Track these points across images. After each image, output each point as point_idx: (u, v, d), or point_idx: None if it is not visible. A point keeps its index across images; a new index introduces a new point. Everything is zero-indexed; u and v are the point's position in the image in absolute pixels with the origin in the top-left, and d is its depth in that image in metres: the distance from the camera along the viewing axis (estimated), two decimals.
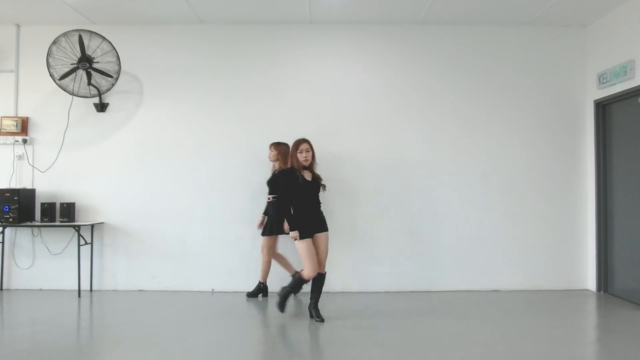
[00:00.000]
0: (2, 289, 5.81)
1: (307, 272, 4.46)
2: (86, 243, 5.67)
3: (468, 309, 5.08)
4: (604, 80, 5.54)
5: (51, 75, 5.61)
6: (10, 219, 5.53)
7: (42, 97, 5.94)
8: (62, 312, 4.96)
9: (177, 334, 4.20)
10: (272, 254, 5.49)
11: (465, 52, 5.95)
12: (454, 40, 5.95)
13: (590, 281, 5.84)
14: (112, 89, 5.80)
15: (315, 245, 4.55)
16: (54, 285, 5.84)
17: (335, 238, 5.54)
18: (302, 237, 4.47)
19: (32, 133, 5.94)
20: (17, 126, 5.86)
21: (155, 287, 5.83)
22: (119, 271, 5.87)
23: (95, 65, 5.61)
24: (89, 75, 5.62)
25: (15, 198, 5.53)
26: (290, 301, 5.15)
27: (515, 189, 5.89)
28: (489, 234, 5.86)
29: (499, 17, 5.73)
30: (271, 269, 5.52)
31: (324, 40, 5.98)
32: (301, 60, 5.96)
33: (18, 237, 5.89)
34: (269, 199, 5.46)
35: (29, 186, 5.88)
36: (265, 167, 5.63)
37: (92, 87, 5.69)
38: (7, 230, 5.84)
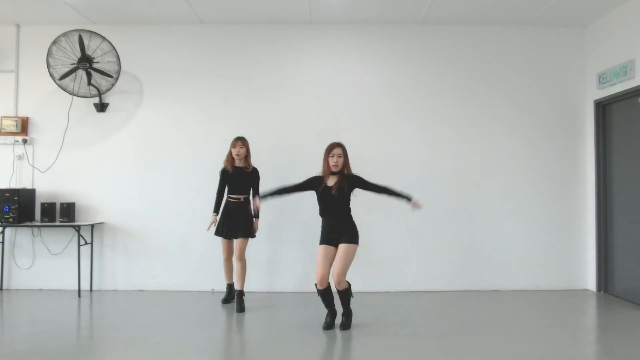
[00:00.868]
0: (2, 289, 5.81)
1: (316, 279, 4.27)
2: (86, 243, 5.67)
3: (468, 309, 5.08)
4: (604, 80, 5.54)
5: (51, 75, 5.61)
6: (10, 219, 5.53)
7: (42, 97, 5.94)
8: (62, 312, 4.96)
9: (177, 334, 4.20)
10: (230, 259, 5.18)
11: (465, 52, 5.95)
12: (454, 40, 5.95)
13: (590, 281, 5.84)
14: (112, 89, 5.80)
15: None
16: (54, 285, 5.84)
17: None
18: (320, 241, 4.30)
19: (32, 133, 5.94)
20: (17, 126, 5.86)
21: (155, 287, 5.83)
22: (119, 271, 5.87)
23: (95, 65, 5.61)
24: (89, 75, 5.62)
25: (15, 198, 5.53)
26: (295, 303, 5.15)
27: (515, 188, 5.89)
28: (489, 234, 5.86)
29: (499, 17, 5.73)
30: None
31: (324, 40, 5.98)
32: (301, 60, 5.96)
33: (18, 237, 5.89)
34: (239, 199, 5.04)
35: (29, 186, 5.88)
36: (266, 167, 5.63)
37: (92, 87, 5.69)
38: (7, 230, 5.83)
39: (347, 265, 4.20)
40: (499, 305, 5.25)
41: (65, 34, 5.57)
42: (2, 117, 5.89)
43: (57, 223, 5.65)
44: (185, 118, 5.92)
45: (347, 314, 4.36)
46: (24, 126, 5.90)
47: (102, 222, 5.87)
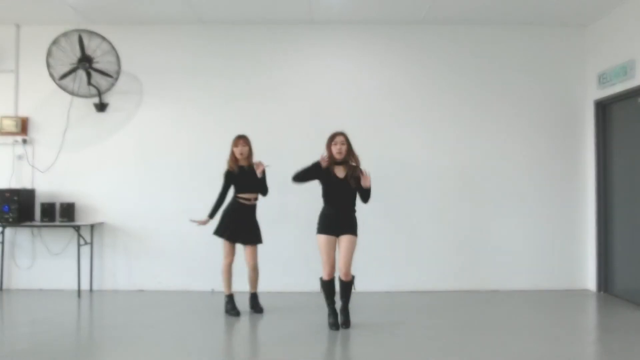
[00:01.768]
0: (2, 289, 5.81)
1: (323, 271, 4.27)
2: (86, 243, 5.67)
3: (468, 309, 5.08)
4: (604, 80, 5.54)
5: (51, 75, 5.60)
6: (10, 219, 5.53)
7: (42, 97, 5.93)
8: (62, 312, 4.96)
9: (177, 334, 4.20)
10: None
11: (465, 52, 5.95)
12: (454, 40, 5.95)
13: (590, 281, 5.84)
14: (112, 89, 5.80)
15: (338, 248, 4.30)
16: (54, 285, 5.84)
17: None
18: (318, 231, 4.29)
19: (32, 133, 5.94)
20: (17, 126, 5.86)
21: (155, 287, 5.83)
22: (119, 271, 5.87)
23: (95, 65, 5.60)
24: (88, 75, 5.62)
25: (15, 198, 5.53)
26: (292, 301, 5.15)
27: (515, 188, 5.88)
28: (489, 234, 5.86)
29: (499, 17, 5.73)
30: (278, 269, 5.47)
31: (324, 40, 5.98)
32: (301, 60, 5.96)
33: (18, 237, 5.89)
34: (250, 200, 4.85)
35: (29, 186, 5.88)
36: (266, 168, 5.62)
37: (92, 87, 5.69)
38: (7, 230, 5.83)
39: (352, 257, 4.25)
40: (499, 305, 5.25)
41: (65, 34, 5.56)
42: (2, 117, 5.89)
43: (57, 223, 5.65)
44: (185, 118, 5.92)
45: (347, 310, 4.36)
46: (23, 126, 5.90)
47: (102, 222, 5.87)
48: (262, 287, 5.77)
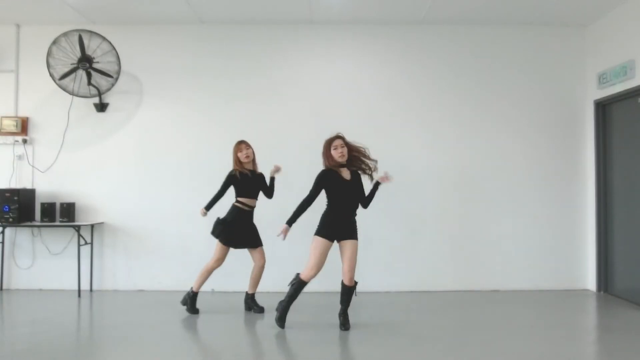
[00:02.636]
0: (2, 289, 5.81)
1: (307, 272, 4.23)
2: (86, 243, 5.67)
3: (468, 309, 5.08)
4: (604, 80, 5.54)
5: (51, 75, 5.61)
6: (10, 219, 5.53)
7: (42, 97, 5.94)
8: (62, 312, 4.96)
9: (177, 334, 4.20)
10: None
11: (465, 52, 5.95)
12: (454, 40, 5.95)
13: (590, 281, 5.84)
14: (112, 89, 5.80)
15: (341, 253, 4.30)
16: (54, 285, 5.84)
17: None
18: (321, 234, 4.23)
19: (32, 133, 5.94)
20: (17, 126, 5.86)
21: (155, 287, 5.83)
22: (119, 271, 5.87)
23: (95, 65, 5.61)
24: (88, 75, 5.63)
25: (15, 198, 5.53)
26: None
27: (515, 188, 5.89)
28: (489, 234, 5.86)
29: (499, 17, 5.73)
30: (272, 269, 5.46)
31: (324, 41, 5.98)
32: (301, 60, 5.96)
33: (18, 237, 5.89)
34: (251, 206, 4.91)
35: (29, 186, 5.88)
36: (266, 168, 5.62)
37: (92, 87, 5.69)
38: (7, 230, 5.83)
39: (355, 260, 4.28)
40: (499, 305, 5.25)
41: (65, 34, 5.57)
42: (2, 117, 5.89)
43: (57, 223, 5.65)
44: (185, 118, 5.92)
45: (347, 314, 4.35)
46: (24, 126, 5.90)
47: (102, 222, 5.87)
48: (260, 287, 5.78)
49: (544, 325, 4.48)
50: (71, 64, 5.59)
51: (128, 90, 5.93)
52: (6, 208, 5.52)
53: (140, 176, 5.89)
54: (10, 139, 5.88)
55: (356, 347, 3.92)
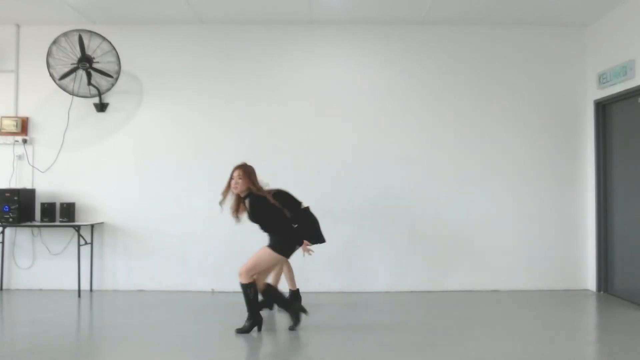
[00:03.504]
0: (2, 289, 5.81)
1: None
2: (86, 243, 5.67)
3: (468, 309, 5.08)
4: (604, 80, 5.54)
5: (51, 75, 5.61)
6: (10, 219, 5.53)
7: (42, 97, 5.94)
8: (62, 312, 4.96)
9: (178, 334, 4.20)
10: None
11: (465, 52, 5.95)
12: (454, 41, 5.95)
13: (590, 281, 5.84)
14: (112, 89, 5.80)
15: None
16: (54, 285, 5.84)
17: (334, 238, 5.55)
18: (286, 254, 4.31)
19: (32, 133, 5.94)
20: (17, 126, 5.86)
21: (155, 287, 5.83)
22: (119, 271, 5.87)
23: (95, 65, 5.61)
24: (89, 75, 5.62)
25: (15, 198, 5.53)
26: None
27: (515, 188, 5.88)
28: (489, 234, 5.86)
29: (499, 17, 5.73)
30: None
31: (324, 41, 5.98)
32: (301, 60, 5.96)
33: (18, 237, 5.89)
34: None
35: (29, 186, 5.88)
36: (264, 167, 5.60)
37: (92, 87, 5.69)
38: (7, 230, 5.83)
39: (256, 263, 4.20)
40: (499, 305, 5.25)
41: (65, 34, 5.57)
42: (2, 117, 5.89)
43: (57, 223, 5.65)
44: (185, 118, 5.92)
45: (289, 313, 4.37)
46: (24, 126, 5.90)
47: (102, 222, 5.87)
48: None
49: (544, 325, 4.48)
50: (71, 64, 5.59)
51: (128, 90, 5.93)
52: (6, 208, 5.52)
53: (140, 176, 5.89)
54: (10, 139, 5.87)
55: (356, 347, 3.92)
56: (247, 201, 4.31)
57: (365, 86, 5.93)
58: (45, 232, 5.87)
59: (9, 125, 5.86)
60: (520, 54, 5.95)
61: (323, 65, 5.95)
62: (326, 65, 5.95)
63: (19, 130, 5.86)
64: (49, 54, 5.56)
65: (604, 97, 5.60)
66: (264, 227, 4.38)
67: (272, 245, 4.26)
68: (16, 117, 5.90)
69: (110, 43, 5.60)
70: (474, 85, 5.93)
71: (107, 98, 5.92)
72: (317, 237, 4.59)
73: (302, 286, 5.47)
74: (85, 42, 5.55)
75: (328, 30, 5.96)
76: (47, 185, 5.88)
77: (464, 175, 5.88)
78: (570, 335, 4.27)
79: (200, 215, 5.81)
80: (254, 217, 4.32)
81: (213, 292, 5.74)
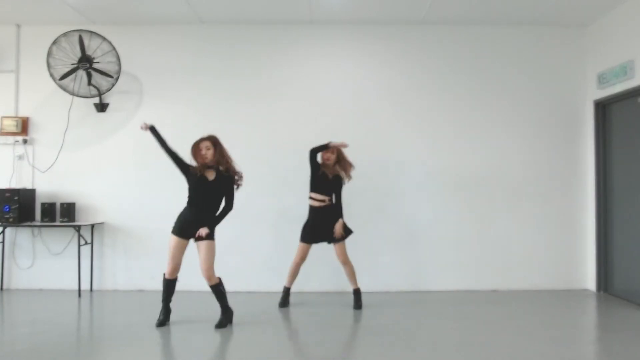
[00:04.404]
0: (2, 289, 5.81)
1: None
2: (86, 243, 5.67)
3: (468, 309, 5.08)
4: (604, 80, 5.54)
5: (51, 75, 5.61)
6: (11, 219, 5.53)
7: (42, 97, 5.94)
8: (62, 312, 4.96)
9: (178, 334, 4.20)
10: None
11: (465, 52, 5.95)
12: (454, 40, 5.95)
13: (590, 281, 5.84)
14: (112, 89, 5.80)
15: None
16: (54, 285, 5.84)
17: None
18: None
19: (32, 133, 5.95)
20: (17, 126, 5.86)
21: (155, 287, 5.80)
22: (119, 271, 5.88)
23: (95, 66, 5.61)
24: (89, 76, 5.63)
25: (16, 198, 5.53)
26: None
27: (515, 188, 5.88)
28: (488, 234, 5.86)
29: (499, 17, 5.73)
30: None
31: (324, 41, 5.98)
32: (301, 60, 5.96)
33: (18, 237, 5.89)
34: (324, 201, 4.97)
35: (29, 186, 5.88)
36: (264, 167, 5.62)
37: (92, 87, 5.70)
38: (7, 230, 5.83)
39: (210, 261, 4.43)
40: (499, 305, 5.25)
41: (65, 34, 5.57)
42: (2, 117, 5.89)
43: (57, 223, 5.65)
44: (185, 118, 5.91)
45: (224, 311, 4.46)
46: (24, 126, 5.90)
47: (102, 222, 5.88)
48: (256, 287, 5.79)
49: (544, 325, 4.48)
50: (71, 64, 5.59)
51: (128, 90, 5.94)
52: (6, 208, 5.52)
53: (140, 176, 5.89)
54: (11, 139, 5.88)
55: (356, 347, 3.92)
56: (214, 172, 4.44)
57: (365, 86, 5.93)
58: (46, 232, 5.87)
59: (9, 125, 5.86)
60: (520, 54, 5.95)
61: (323, 65, 5.95)
62: (326, 65, 5.95)
63: (19, 130, 5.86)
64: (49, 54, 5.56)
65: (603, 97, 5.60)
66: (211, 203, 4.45)
67: (211, 236, 4.42)
68: (16, 117, 5.91)
69: (110, 43, 5.60)
70: (473, 85, 5.93)
71: (107, 98, 5.92)
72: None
73: (302, 286, 5.49)
74: (86, 42, 5.55)
75: (328, 30, 5.96)
76: (47, 185, 5.88)
77: (464, 174, 5.88)
78: (570, 335, 4.27)
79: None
80: (216, 190, 4.42)
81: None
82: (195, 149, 4.51)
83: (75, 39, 5.55)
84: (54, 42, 5.56)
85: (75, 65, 5.58)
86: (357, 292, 5.05)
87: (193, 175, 4.48)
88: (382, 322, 4.58)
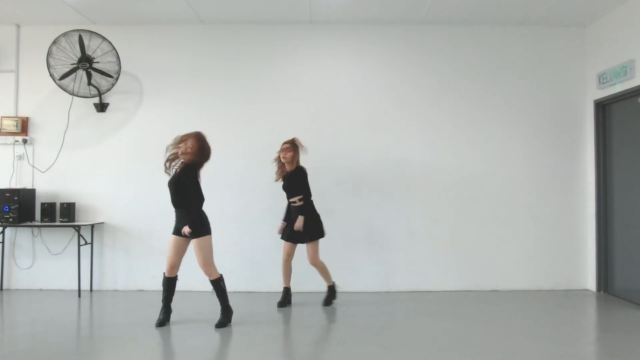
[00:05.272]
0: (2, 289, 5.81)
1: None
2: (86, 243, 5.67)
3: (468, 309, 5.08)
4: (604, 80, 5.54)
5: (51, 75, 5.61)
6: (11, 219, 5.53)
7: (42, 97, 5.94)
8: (62, 312, 4.96)
9: (178, 334, 4.20)
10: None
11: (465, 52, 5.95)
12: (454, 40, 5.95)
13: (590, 281, 5.84)
14: (112, 89, 5.80)
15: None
16: (54, 285, 5.84)
17: (334, 238, 5.55)
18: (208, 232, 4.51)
19: (32, 133, 5.94)
20: (17, 126, 5.86)
21: (155, 287, 5.81)
22: (119, 271, 5.88)
23: (95, 65, 5.61)
24: (89, 76, 5.63)
25: (16, 198, 5.53)
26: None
27: (515, 188, 5.89)
28: (488, 234, 5.86)
29: (499, 17, 5.73)
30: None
31: (324, 41, 5.98)
32: (301, 60, 5.96)
33: (18, 237, 5.89)
34: (295, 202, 5.04)
35: (29, 186, 5.88)
36: (264, 168, 5.61)
37: (92, 87, 5.70)
38: (7, 230, 5.83)
39: (206, 256, 4.43)
40: (499, 305, 5.25)
41: (65, 34, 5.57)
42: (2, 117, 5.89)
43: (57, 223, 5.65)
44: (185, 118, 5.90)
45: (224, 310, 4.46)
46: (24, 126, 5.90)
47: (102, 222, 5.87)
48: (255, 287, 5.79)
49: (544, 325, 4.48)
50: (71, 64, 5.59)
51: (128, 90, 5.94)
52: (6, 208, 5.52)
53: (140, 176, 5.89)
54: (11, 139, 5.88)
55: (355, 347, 3.92)
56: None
57: (365, 86, 5.93)
58: (45, 232, 5.87)
59: (9, 125, 5.86)
60: (520, 53, 5.95)
61: (323, 65, 5.95)
62: (326, 65, 5.95)
63: (19, 130, 5.86)
64: (49, 54, 5.56)
65: (603, 97, 5.60)
66: (176, 200, 4.56)
67: (196, 233, 4.41)
68: (16, 117, 5.91)
69: (110, 43, 5.60)
70: (473, 85, 5.93)
71: (107, 98, 5.92)
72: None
73: (302, 286, 5.49)
74: (85, 42, 5.55)
75: (328, 30, 5.96)
76: (47, 185, 5.88)
77: (464, 174, 5.88)
78: (570, 335, 4.27)
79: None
80: (173, 186, 4.59)
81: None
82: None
83: (75, 38, 5.55)
84: (54, 42, 5.56)
85: (75, 65, 5.58)
86: (331, 289, 5.15)
87: None
88: (381, 322, 4.58)
